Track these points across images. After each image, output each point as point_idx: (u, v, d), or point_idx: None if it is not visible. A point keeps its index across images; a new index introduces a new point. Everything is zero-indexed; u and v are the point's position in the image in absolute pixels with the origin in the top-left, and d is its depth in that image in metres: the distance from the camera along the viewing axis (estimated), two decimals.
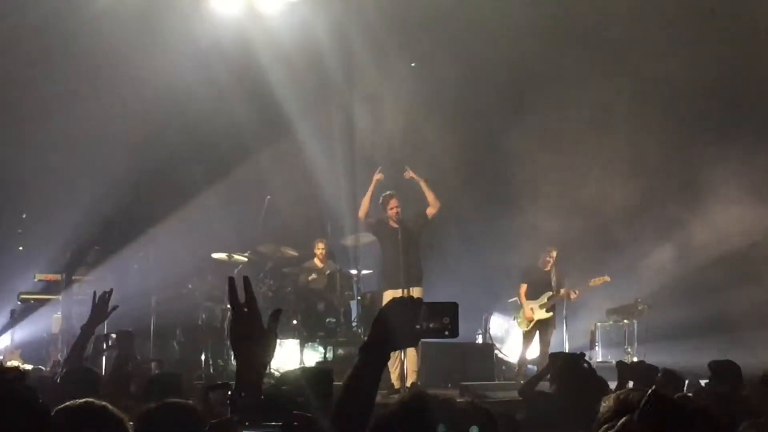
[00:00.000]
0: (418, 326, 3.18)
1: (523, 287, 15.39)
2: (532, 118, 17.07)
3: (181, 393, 7.07)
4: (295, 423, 3.28)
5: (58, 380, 6.65)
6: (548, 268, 15.41)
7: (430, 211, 13.39)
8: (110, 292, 7.01)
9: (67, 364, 6.79)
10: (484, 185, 18.41)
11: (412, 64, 17.72)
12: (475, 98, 17.44)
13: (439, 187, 13.75)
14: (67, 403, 3.78)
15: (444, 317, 3.21)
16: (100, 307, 6.93)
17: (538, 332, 15.22)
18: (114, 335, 10.81)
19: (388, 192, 13.51)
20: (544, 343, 15.15)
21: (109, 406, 3.79)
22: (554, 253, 15.43)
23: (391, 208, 13.26)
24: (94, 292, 6.98)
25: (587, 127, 17.02)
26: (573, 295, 15.32)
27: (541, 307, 15.21)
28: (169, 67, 15.81)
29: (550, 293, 15.23)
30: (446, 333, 3.21)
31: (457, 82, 16.91)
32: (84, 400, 3.80)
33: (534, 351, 15.24)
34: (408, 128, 17.26)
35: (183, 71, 15.97)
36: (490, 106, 17.52)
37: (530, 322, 15.15)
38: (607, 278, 15.55)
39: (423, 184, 13.47)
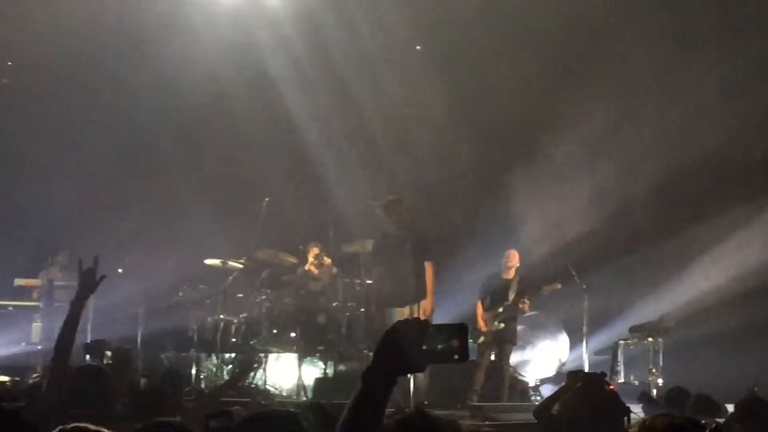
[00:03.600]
0: (425, 347, 3.15)
1: (479, 304, 14.75)
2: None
3: (168, 410, 7.05)
4: None
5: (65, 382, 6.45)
6: (510, 276, 14.79)
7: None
8: (96, 260, 6.57)
9: (58, 348, 6.43)
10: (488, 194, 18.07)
11: (417, 47, 17.39)
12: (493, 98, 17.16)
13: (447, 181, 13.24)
14: (60, 428, 3.76)
15: (452, 340, 3.17)
16: (88, 277, 6.51)
17: (496, 348, 14.52)
18: (109, 353, 10.54)
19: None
20: (504, 360, 14.51)
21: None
22: (514, 254, 14.87)
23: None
24: (79, 260, 6.53)
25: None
26: (523, 306, 14.76)
27: (494, 318, 14.49)
28: (163, 60, 15.63)
29: (507, 303, 14.54)
30: (455, 357, 3.16)
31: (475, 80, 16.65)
32: (74, 425, 3.78)
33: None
34: (419, 119, 16.92)
35: (179, 64, 15.72)
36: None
37: (484, 335, 14.60)
38: (558, 285, 14.95)
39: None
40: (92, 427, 3.80)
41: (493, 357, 14.57)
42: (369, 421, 3.10)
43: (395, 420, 3.17)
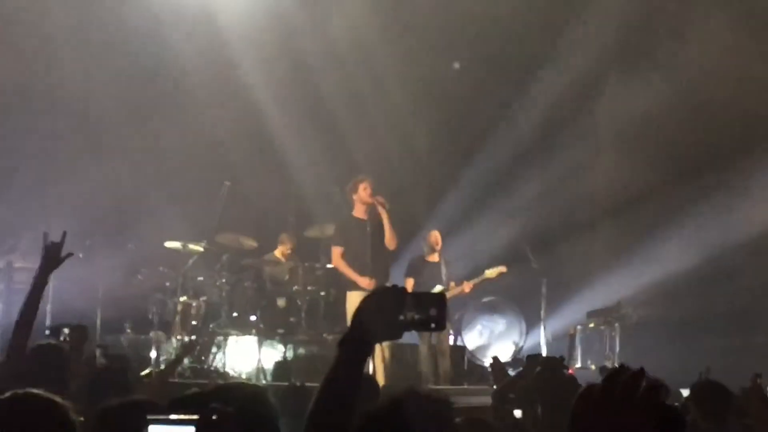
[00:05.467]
0: (402, 317, 3.12)
1: (409, 282, 14.47)
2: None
3: (130, 390, 6.82)
4: (214, 417, 3.06)
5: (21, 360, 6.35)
6: (436, 258, 14.78)
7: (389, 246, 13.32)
8: (64, 236, 6.58)
9: (18, 324, 6.41)
10: (458, 171, 18.20)
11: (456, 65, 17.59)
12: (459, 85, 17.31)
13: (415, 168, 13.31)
14: (12, 393, 3.75)
15: (430, 308, 3.16)
16: (52, 251, 6.47)
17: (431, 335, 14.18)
18: (67, 330, 10.54)
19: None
20: (442, 347, 14.54)
21: (56, 398, 3.74)
22: (437, 235, 14.82)
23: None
24: (44, 233, 6.53)
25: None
26: (467, 288, 14.72)
27: None
28: (122, 41, 15.59)
29: (440, 287, 14.35)
30: (432, 325, 3.17)
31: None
32: (26, 390, 3.77)
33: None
34: (385, 105, 17.02)
35: (139, 46, 15.72)
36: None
37: None
38: (503, 269, 15.00)
39: (386, 218, 13.26)
40: (44, 394, 3.79)
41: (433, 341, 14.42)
42: (346, 390, 3.13)
43: (388, 398, 3.18)
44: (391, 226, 13.26)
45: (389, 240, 13.25)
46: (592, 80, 17.49)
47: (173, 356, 13.54)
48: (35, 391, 3.76)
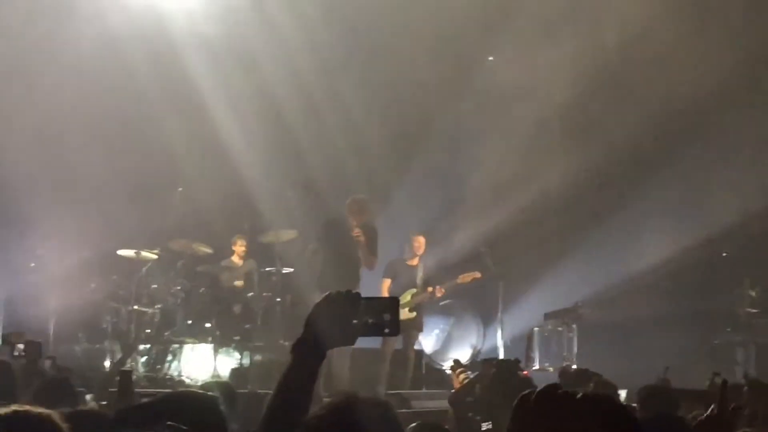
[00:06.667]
0: (355, 321, 3.13)
1: (386, 283, 14.54)
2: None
3: (75, 399, 7.10)
4: None
5: None
6: (415, 262, 14.79)
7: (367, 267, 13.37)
8: None
9: None
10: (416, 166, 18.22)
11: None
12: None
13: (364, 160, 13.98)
14: None
15: (384, 314, 3.17)
16: None
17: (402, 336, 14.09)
18: (22, 345, 10.53)
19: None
20: (408, 347, 14.53)
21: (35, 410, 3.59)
22: (421, 240, 14.83)
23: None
24: None
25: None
26: (439, 293, 14.76)
27: (403, 306, 14.08)
28: (73, 46, 15.48)
29: (414, 290, 14.49)
30: (386, 330, 3.17)
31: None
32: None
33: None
34: (338, 107, 17.03)
35: (90, 50, 15.59)
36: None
37: None
38: (477, 275, 15.14)
39: (362, 243, 13.25)
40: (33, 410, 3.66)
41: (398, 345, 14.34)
42: (299, 395, 3.12)
43: (326, 404, 3.16)
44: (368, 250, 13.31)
45: (366, 261, 13.30)
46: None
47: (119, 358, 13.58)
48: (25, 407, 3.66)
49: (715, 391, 7.10)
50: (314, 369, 3.16)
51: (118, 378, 6.82)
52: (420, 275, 14.71)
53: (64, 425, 3.64)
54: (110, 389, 11.03)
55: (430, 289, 14.62)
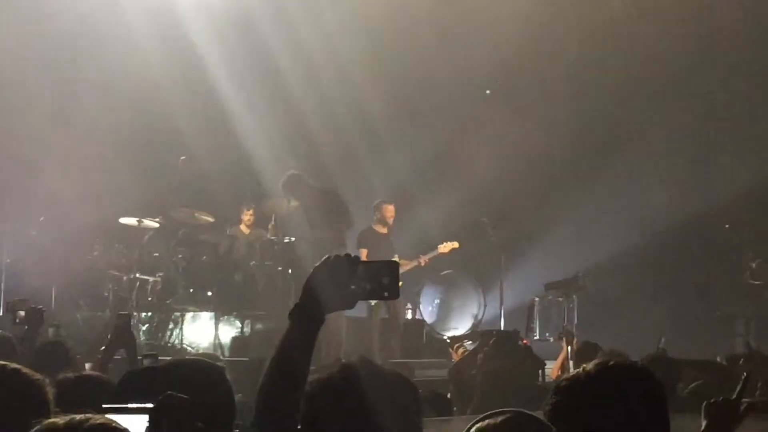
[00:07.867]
0: (353, 286, 3.12)
1: (363, 253, 14.20)
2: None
3: (72, 363, 7.08)
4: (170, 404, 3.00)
5: None
6: (385, 231, 14.70)
7: None
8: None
9: None
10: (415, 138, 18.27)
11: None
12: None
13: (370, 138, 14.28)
14: None
15: (383, 277, 3.17)
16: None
17: (386, 305, 14.03)
18: (23, 313, 10.56)
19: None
20: (396, 321, 14.50)
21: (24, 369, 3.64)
22: (392, 211, 14.72)
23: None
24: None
25: None
26: (423, 262, 14.93)
27: None
28: (79, 11, 15.50)
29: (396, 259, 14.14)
30: (385, 294, 3.18)
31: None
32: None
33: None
34: (341, 81, 17.02)
35: (93, 18, 15.61)
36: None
37: None
38: (456, 244, 15.24)
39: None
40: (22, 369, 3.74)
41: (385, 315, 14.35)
42: (298, 359, 3.12)
43: (339, 365, 3.18)
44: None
45: None
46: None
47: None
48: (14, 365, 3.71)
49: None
50: (313, 333, 3.15)
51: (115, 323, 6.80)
52: (392, 245, 14.69)
53: (50, 389, 3.66)
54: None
55: (423, 259, 14.91)
